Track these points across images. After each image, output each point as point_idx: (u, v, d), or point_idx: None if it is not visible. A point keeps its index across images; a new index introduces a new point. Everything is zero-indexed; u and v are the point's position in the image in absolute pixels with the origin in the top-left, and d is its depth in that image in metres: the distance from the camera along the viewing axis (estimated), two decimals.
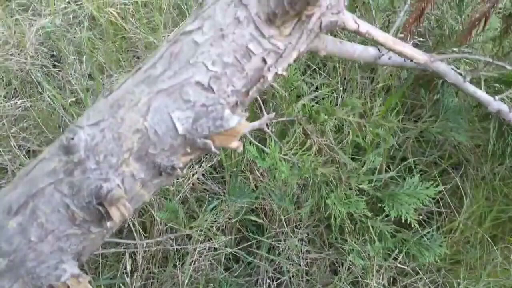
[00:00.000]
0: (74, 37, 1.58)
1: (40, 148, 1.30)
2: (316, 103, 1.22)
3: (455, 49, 0.82)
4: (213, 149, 0.53)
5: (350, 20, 0.58)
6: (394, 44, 0.62)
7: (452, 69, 0.68)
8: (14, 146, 1.25)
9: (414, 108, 1.29)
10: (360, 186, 0.90)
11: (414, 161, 1.17)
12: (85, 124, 0.53)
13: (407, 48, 0.63)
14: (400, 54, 0.63)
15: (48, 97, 1.36)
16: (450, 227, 1.14)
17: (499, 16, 0.83)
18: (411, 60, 0.64)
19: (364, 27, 0.59)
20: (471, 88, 0.71)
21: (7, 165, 1.23)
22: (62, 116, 1.33)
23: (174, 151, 0.54)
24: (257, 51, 0.52)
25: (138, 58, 1.54)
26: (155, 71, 0.52)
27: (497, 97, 0.74)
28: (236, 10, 0.50)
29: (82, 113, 1.34)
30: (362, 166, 1.09)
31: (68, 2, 1.68)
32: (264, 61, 0.53)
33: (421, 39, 0.86)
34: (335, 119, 0.93)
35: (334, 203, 0.86)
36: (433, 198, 1.22)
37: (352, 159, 1.15)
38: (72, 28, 1.60)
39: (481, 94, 0.72)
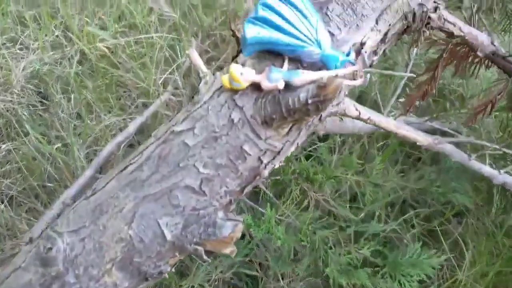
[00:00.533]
0: (63, 72, 1.53)
1: (21, 196, 1.24)
2: (314, 149, 1.18)
3: (458, 110, 0.79)
4: (204, 256, 0.49)
5: (351, 108, 0.55)
6: (397, 128, 0.58)
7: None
8: None
9: (412, 153, 1.26)
10: (361, 252, 0.86)
11: (414, 212, 1.13)
12: (64, 230, 0.48)
13: (411, 132, 0.60)
14: (403, 137, 0.59)
15: (34, 139, 1.31)
16: (452, 282, 1.10)
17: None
18: (415, 143, 0.60)
19: (365, 113, 0.56)
20: (477, 166, 0.68)
21: None
22: (47, 161, 1.28)
23: (161, 257, 0.49)
24: (252, 152, 0.48)
25: (129, 95, 1.49)
26: (142, 174, 0.48)
27: (502, 171, 0.70)
28: (231, 111, 0.46)
29: (68, 163, 1.28)
30: (361, 219, 1.05)
31: (57, 36, 1.63)
32: (260, 160, 0.49)
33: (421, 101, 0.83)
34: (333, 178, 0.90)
35: (333, 271, 0.82)
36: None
37: (350, 207, 1.12)
38: (61, 63, 1.55)
39: (486, 170, 0.69)
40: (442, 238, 1.10)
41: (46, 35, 1.62)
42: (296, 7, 0.42)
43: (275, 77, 0.43)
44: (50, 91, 1.46)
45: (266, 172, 0.51)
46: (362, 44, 0.46)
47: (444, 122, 0.83)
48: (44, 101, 1.48)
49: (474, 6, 0.83)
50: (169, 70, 1.33)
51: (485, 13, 0.85)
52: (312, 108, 0.41)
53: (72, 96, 1.44)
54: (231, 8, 1.41)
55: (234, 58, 0.50)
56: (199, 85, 0.49)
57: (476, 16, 0.84)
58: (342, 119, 0.61)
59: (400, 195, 1.14)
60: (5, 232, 1.20)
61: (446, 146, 0.62)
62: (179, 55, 1.36)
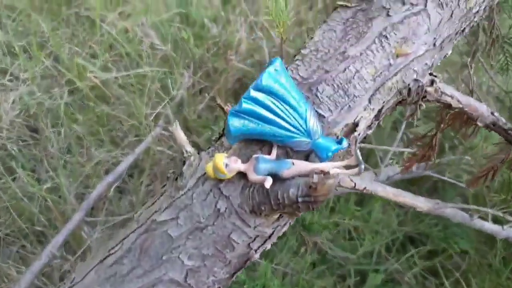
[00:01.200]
0: (53, 104, 1.50)
1: (9, 238, 1.20)
2: None
3: (461, 157, 0.77)
4: None
5: (346, 179, 0.52)
6: (395, 196, 0.55)
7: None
8: None
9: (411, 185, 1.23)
10: None
11: (416, 250, 1.10)
12: None
13: (409, 199, 0.57)
14: (402, 204, 0.56)
15: (23, 178, 1.27)
16: None
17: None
18: (415, 209, 0.57)
19: (361, 184, 0.53)
20: (479, 224, 0.65)
21: None
22: (37, 201, 1.24)
23: None
24: (241, 240, 0.45)
25: (120, 128, 1.46)
26: (122, 268, 0.44)
27: (505, 227, 0.68)
28: (216, 200, 0.43)
29: (58, 203, 1.24)
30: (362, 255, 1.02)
31: (47, 67, 1.60)
32: (250, 247, 0.46)
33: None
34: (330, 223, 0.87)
35: None
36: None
37: (349, 243, 1.08)
38: (51, 96, 1.52)
39: (489, 226, 0.66)
40: (444, 278, 1.06)
41: (36, 66, 1.59)
42: (282, 99, 0.39)
43: (263, 168, 0.40)
44: (40, 125, 1.43)
45: (257, 256, 0.48)
46: (355, 125, 0.43)
47: (444, 168, 0.81)
48: (34, 134, 1.45)
49: (471, 50, 0.80)
50: (162, 105, 1.29)
51: (482, 55, 0.83)
52: (302, 206, 0.38)
53: (62, 130, 1.41)
54: (223, 39, 1.39)
55: (219, 138, 0.47)
56: (183, 167, 0.46)
57: (473, 59, 0.82)
58: (337, 189, 0.58)
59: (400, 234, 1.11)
60: None
61: (446, 210, 0.60)
62: (171, 88, 1.33)
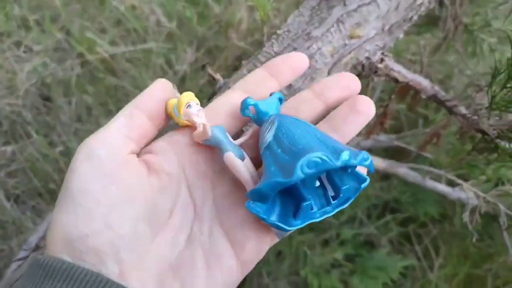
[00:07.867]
0: (66, 75, 1.61)
1: (25, 195, 1.33)
2: None
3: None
4: None
5: None
6: None
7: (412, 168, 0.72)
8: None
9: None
10: (334, 256, 0.95)
11: (392, 216, 1.21)
12: None
13: None
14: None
15: (37, 142, 1.40)
16: (423, 281, 1.19)
17: None
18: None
19: None
20: (431, 184, 0.75)
21: None
22: (50, 163, 1.37)
23: None
24: None
25: (128, 100, 1.57)
26: None
27: (456, 188, 0.78)
28: None
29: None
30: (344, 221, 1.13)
31: (59, 41, 1.71)
32: None
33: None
34: None
35: (308, 273, 0.91)
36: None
37: None
38: (64, 68, 1.63)
39: (441, 188, 0.77)
40: (414, 242, 1.18)
41: (49, 39, 1.70)
42: None
43: (216, 134, 0.35)
44: (53, 93, 1.55)
45: None
46: None
47: (410, 139, 0.91)
48: (47, 103, 1.57)
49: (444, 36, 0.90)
50: (166, 78, 1.40)
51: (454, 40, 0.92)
52: None
53: (74, 100, 1.52)
54: (225, 19, 1.48)
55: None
56: None
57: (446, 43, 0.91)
58: None
59: (380, 200, 1.22)
60: (13, 229, 1.30)
61: (400, 169, 0.70)
62: (175, 63, 1.44)
